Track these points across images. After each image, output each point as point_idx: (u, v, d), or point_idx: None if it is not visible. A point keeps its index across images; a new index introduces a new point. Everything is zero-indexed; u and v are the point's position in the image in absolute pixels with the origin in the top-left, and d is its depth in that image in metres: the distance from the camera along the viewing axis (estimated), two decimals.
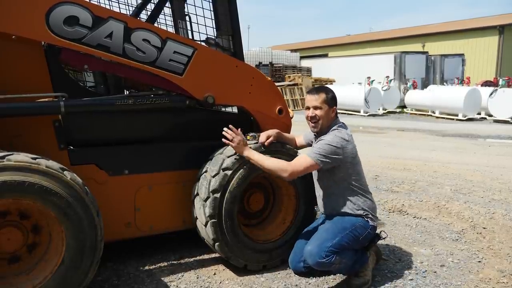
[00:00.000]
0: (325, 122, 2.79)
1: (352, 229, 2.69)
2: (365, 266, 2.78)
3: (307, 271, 2.85)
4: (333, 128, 2.80)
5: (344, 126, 2.82)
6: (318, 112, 2.77)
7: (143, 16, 4.05)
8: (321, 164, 2.65)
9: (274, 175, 2.79)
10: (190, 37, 3.54)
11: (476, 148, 8.66)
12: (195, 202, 2.92)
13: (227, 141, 2.80)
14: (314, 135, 2.95)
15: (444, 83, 19.08)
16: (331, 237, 2.64)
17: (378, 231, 2.91)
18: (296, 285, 2.81)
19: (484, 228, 3.92)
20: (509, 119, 13.16)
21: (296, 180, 3.02)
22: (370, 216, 2.78)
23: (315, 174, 2.91)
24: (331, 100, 2.81)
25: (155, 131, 3.05)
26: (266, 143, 2.86)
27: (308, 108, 2.83)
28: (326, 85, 17.59)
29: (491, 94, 13.71)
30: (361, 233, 2.72)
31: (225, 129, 2.82)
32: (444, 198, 4.85)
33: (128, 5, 4.13)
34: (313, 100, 2.80)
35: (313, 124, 2.82)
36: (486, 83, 18.34)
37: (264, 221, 3.22)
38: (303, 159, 2.68)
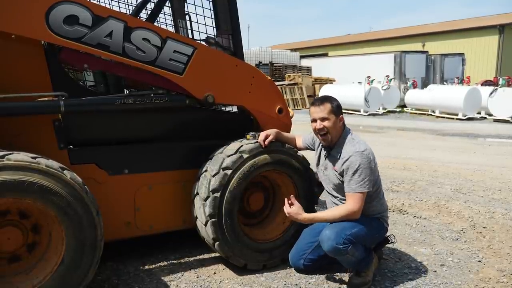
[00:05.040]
0: (335, 132, 2.71)
1: (368, 225, 2.70)
2: (369, 266, 2.78)
3: (306, 269, 2.86)
4: (348, 138, 2.73)
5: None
6: (326, 123, 2.68)
7: (143, 15, 4.05)
8: (369, 188, 2.60)
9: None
10: (190, 36, 3.54)
11: (476, 148, 8.66)
12: (195, 202, 2.92)
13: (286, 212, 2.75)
14: (323, 146, 2.87)
15: (444, 83, 19.04)
16: (349, 226, 2.62)
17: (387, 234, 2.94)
18: (296, 284, 2.81)
19: (484, 227, 3.92)
20: (509, 119, 13.14)
21: (296, 179, 3.02)
22: (384, 218, 2.83)
23: (332, 184, 2.83)
24: (337, 108, 2.73)
25: (155, 130, 3.05)
26: (266, 142, 2.86)
27: (314, 120, 2.74)
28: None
29: (491, 93, 13.69)
30: (375, 232, 2.77)
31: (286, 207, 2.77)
32: (444, 198, 4.85)
33: (128, 4, 4.14)
34: (318, 111, 2.71)
35: (322, 138, 2.74)
36: (486, 83, 18.32)
37: (264, 220, 3.22)
38: (356, 197, 2.59)
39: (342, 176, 2.68)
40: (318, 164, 2.98)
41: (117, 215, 2.85)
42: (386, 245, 3.09)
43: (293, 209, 2.74)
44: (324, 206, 4.36)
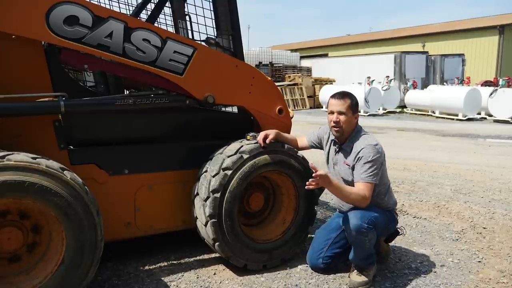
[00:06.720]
0: (348, 128, 2.79)
1: (383, 214, 2.79)
2: (372, 264, 2.81)
3: (325, 267, 2.90)
4: (361, 134, 2.81)
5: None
6: (342, 117, 2.76)
7: (143, 16, 4.05)
8: (376, 181, 2.68)
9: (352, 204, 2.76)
10: (190, 37, 3.54)
11: (476, 148, 8.65)
12: (195, 202, 2.92)
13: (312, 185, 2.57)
14: (333, 140, 2.93)
15: (444, 83, 19.04)
16: (371, 211, 2.68)
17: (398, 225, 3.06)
18: (296, 285, 2.81)
19: (484, 228, 3.92)
20: (509, 119, 13.15)
21: (296, 180, 3.02)
22: (395, 211, 2.98)
23: (342, 180, 2.85)
24: (355, 106, 2.83)
25: (155, 131, 3.05)
26: (267, 141, 2.86)
27: (332, 112, 2.82)
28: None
29: (491, 94, 13.69)
30: (388, 222, 2.87)
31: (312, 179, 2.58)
32: (444, 198, 4.85)
33: (128, 5, 4.14)
34: (338, 105, 2.79)
35: (336, 129, 2.81)
36: (486, 83, 18.32)
37: (264, 221, 3.22)
38: (363, 187, 2.64)
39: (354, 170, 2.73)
40: (327, 161, 3.01)
41: (117, 215, 2.85)
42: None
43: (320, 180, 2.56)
44: (324, 206, 4.37)
